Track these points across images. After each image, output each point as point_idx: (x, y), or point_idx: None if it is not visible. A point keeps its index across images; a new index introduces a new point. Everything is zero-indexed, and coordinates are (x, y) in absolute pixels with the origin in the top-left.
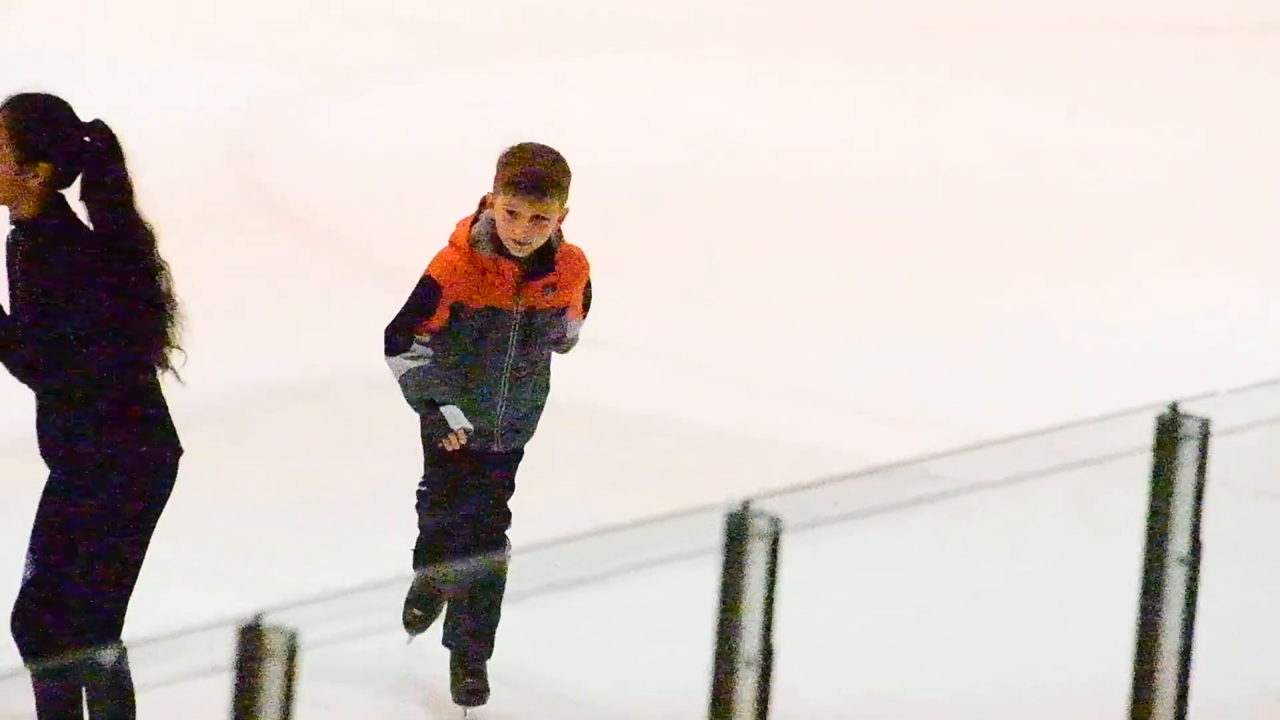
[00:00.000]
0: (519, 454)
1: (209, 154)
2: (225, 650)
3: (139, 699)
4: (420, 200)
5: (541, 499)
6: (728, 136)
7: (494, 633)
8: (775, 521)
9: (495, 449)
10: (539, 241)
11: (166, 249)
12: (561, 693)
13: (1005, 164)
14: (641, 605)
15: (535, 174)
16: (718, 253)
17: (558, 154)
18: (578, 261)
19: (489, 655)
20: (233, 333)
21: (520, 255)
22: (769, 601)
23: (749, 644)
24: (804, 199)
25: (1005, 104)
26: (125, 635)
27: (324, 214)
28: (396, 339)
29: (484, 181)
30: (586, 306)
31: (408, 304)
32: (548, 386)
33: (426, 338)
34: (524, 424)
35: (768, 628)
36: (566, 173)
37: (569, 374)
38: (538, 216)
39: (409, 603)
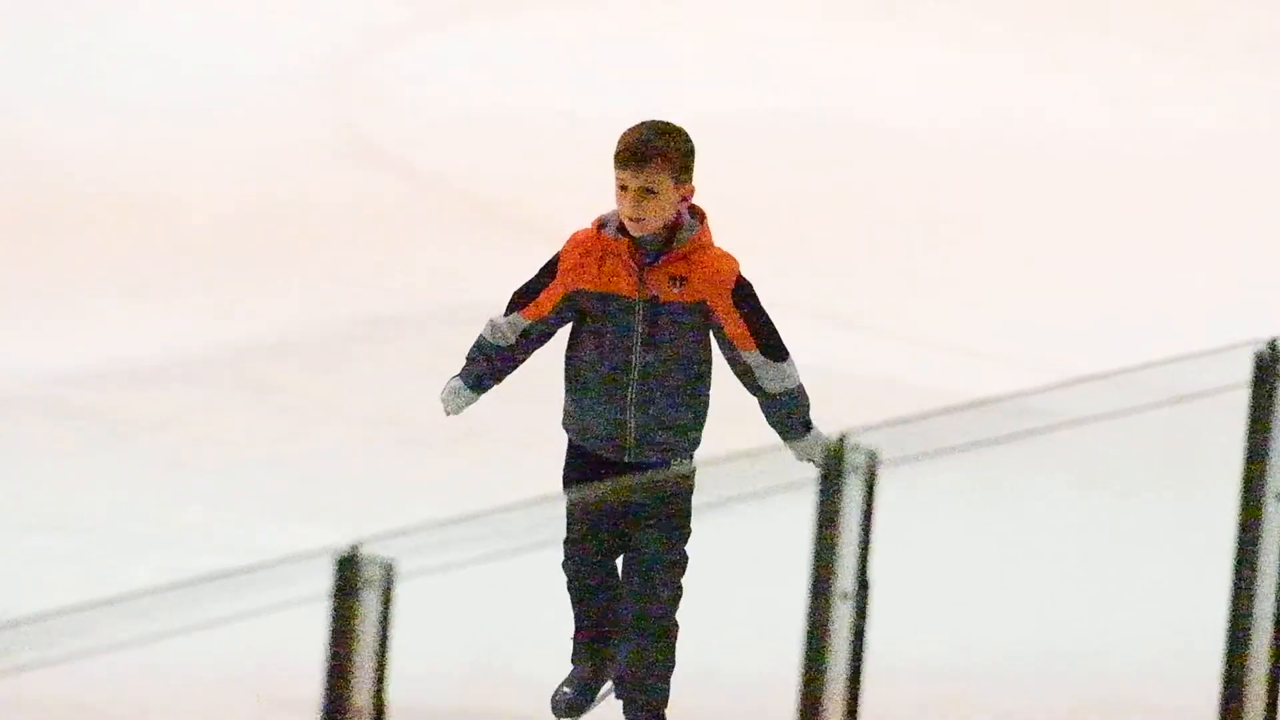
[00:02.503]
0: (679, 474)
1: (307, 87)
2: (323, 580)
3: (235, 628)
4: (519, 136)
5: None
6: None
7: (658, 680)
8: (872, 455)
9: (628, 459)
10: (655, 219)
11: (265, 179)
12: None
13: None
14: (739, 538)
15: (636, 142)
16: (815, 193)
17: (672, 127)
18: (717, 262)
19: (656, 706)
20: (327, 266)
21: (638, 235)
22: (865, 535)
23: (844, 577)
24: (900, 152)
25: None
26: (224, 565)
27: (420, 149)
28: (507, 307)
29: (580, 120)
30: (767, 345)
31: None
32: (697, 408)
33: (527, 321)
34: (663, 440)
35: (864, 561)
36: (677, 145)
37: None
38: (645, 189)
39: (566, 681)
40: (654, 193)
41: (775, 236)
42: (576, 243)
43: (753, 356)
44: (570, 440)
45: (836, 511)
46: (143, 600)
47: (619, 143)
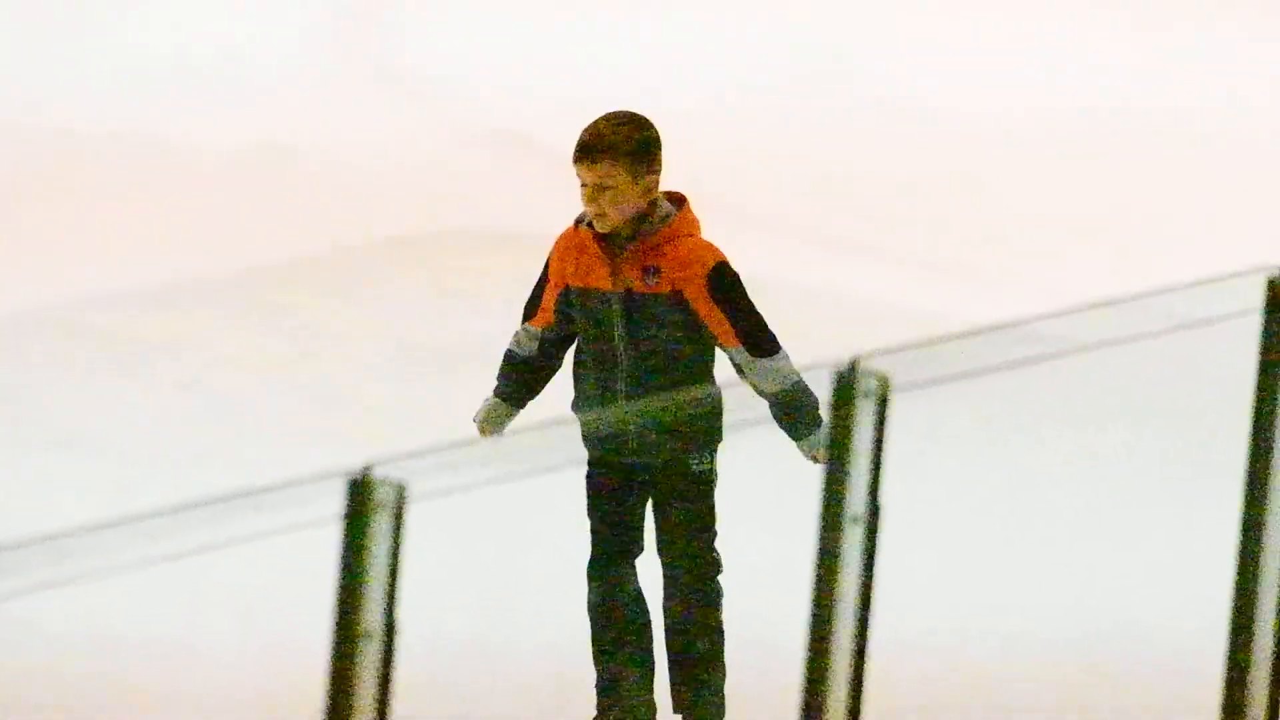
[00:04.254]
0: (690, 474)
1: (325, 17)
2: (334, 502)
3: (248, 549)
4: (542, 68)
5: None
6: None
7: (713, 694)
8: (884, 380)
9: (631, 458)
10: (615, 213)
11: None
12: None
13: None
14: (746, 462)
15: (586, 138)
16: (832, 134)
17: (626, 118)
18: (692, 251)
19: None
20: (337, 191)
21: (603, 230)
22: (876, 459)
23: (856, 502)
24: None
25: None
26: (235, 486)
27: (441, 78)
28: (523, 317)
29: (603, 53)
30: (750, 340)
31: None
32: (703, 405)
33: (539, 329)
34: (662, 436)
35: (875, 486)
36: (630, 137)
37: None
38: (600, 185)
39: (599, 691)
40: (609, 187)
41: (792, 161)
42: (559, 241)
43: (738, 353)
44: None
45: (848, 436)
46: (154, 521)
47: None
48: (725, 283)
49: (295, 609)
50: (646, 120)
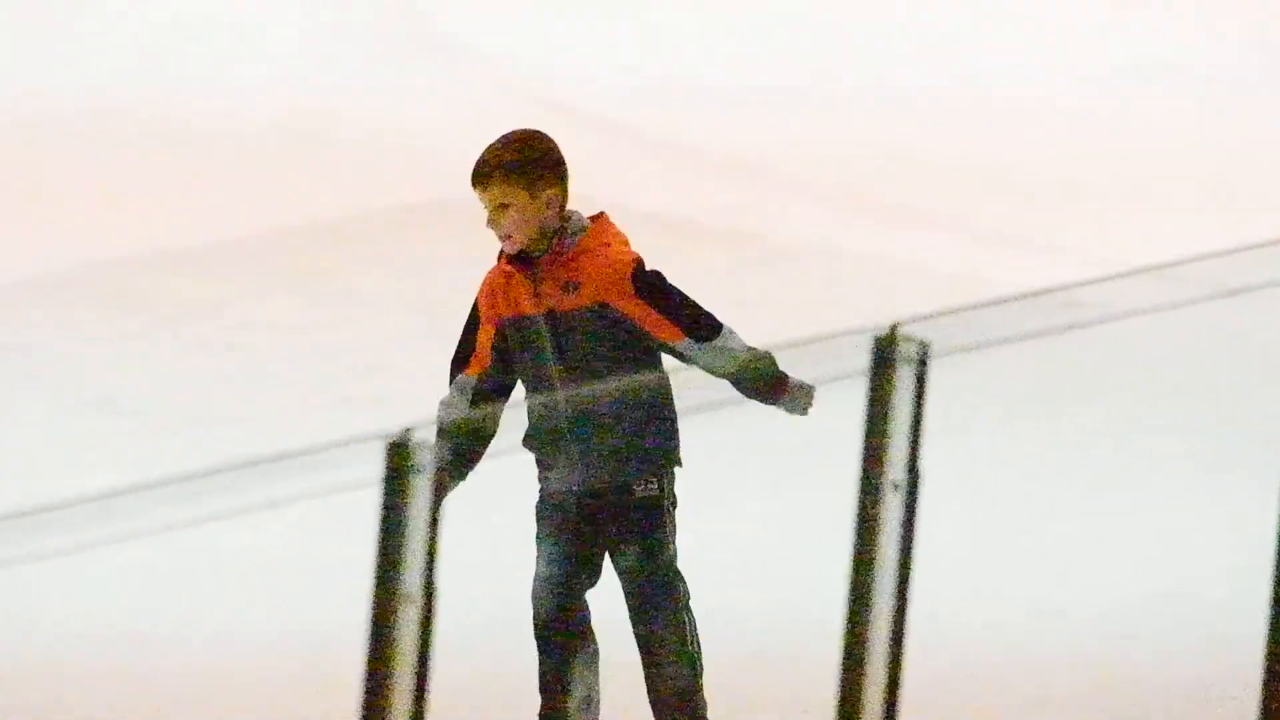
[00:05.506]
0: (635, 501)
1: None
2: (374, 465)
3: (288, 511)
4: (574, 36)
5: None
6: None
7: (689, 710)
8: (924, 345)
9: (579, 485)
10: (519, 233)
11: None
12: (711, 502)
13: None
14: (788, 427)
15: (478, 162)
16: (882, 105)
17: (520, 136)
18: (608, 257)
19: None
20: (373, 156)
21: (511, 252)
22: (916, 425)
23: (895, 468)
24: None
25: None
26: (273, 449)
27: (476, 45)
28: (450, 375)
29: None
30: (691, 327)
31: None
32: (653, 424)
33: (473, 377)
34: (612, 458)
35: (914, 452)
36: (522, 155)
37: (723, 199)
38: (498, 205)
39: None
40: (507, 206)
41: (830, 124)
42: (484, 280)
43: (684, 345)
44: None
45: (888, 401)
46: (194, 482)
47: None
48: (649, 278)
49: (334, 572)
50: (539, 136)
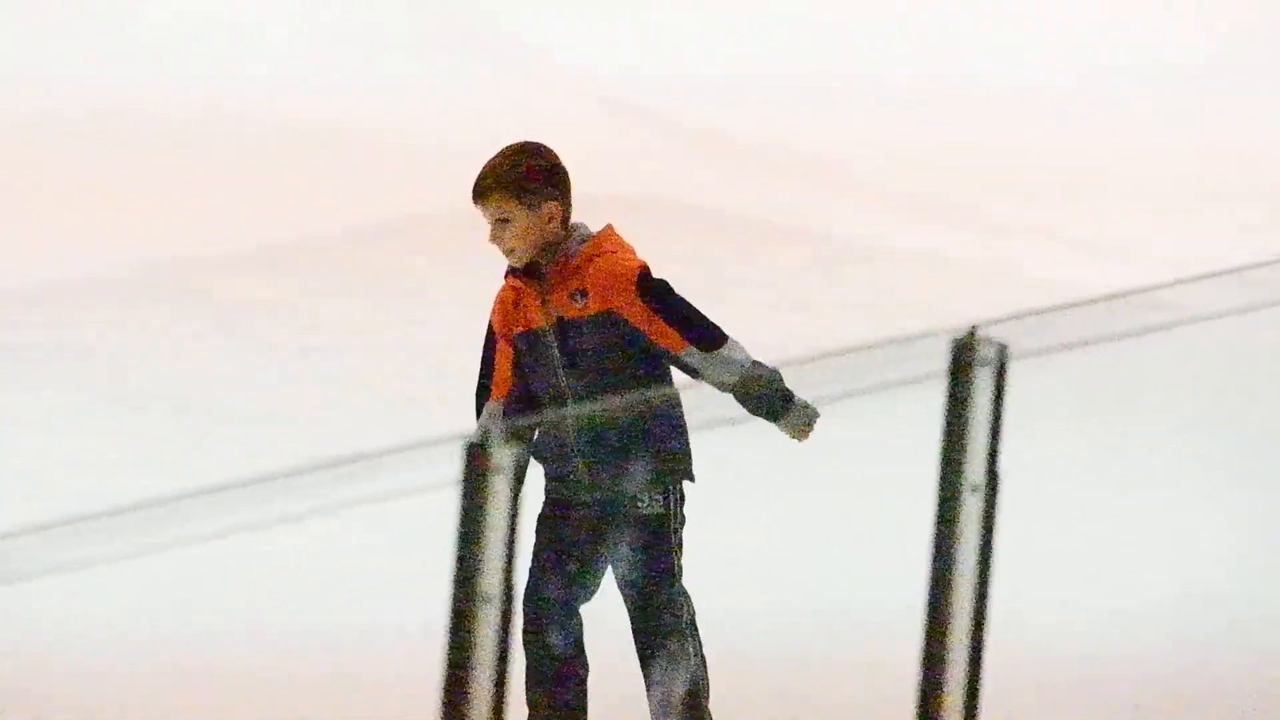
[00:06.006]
0: (638, 517)
1: None
2: (448, 467)
3: (362, 512)
4: (637, 31)
5: (763, 320)
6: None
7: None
8: (1002, 348)
9: (584, 497)
10: (522, 246)
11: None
12: (798, 507)
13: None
14: (866, 429)
15: (476, 178)
16: (945, 106)
17: (515, 149)
18: (613, 265)
19: None
20: (443, 156)
21: (516, 265)
22: (995, 427)
23: (974, 470)
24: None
25: None
26: (349, 450)
27: (539, 37)
28: (476, 408)
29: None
30: (696, 337)
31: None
32: (660, 434)
33: (498, 402)
34: (618, 467)
35: (994, 454)
36: (517, 168)
37: (785, 199)
38: (498, 220)
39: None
40: (506, 220)
41: (897, 126)
42: (495, 298)
43: (689, 354)
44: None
45: (966, 404)
46: (266, 485)
47: None
48: (654, 286)
49: (409, 573)
50: (538, 148)
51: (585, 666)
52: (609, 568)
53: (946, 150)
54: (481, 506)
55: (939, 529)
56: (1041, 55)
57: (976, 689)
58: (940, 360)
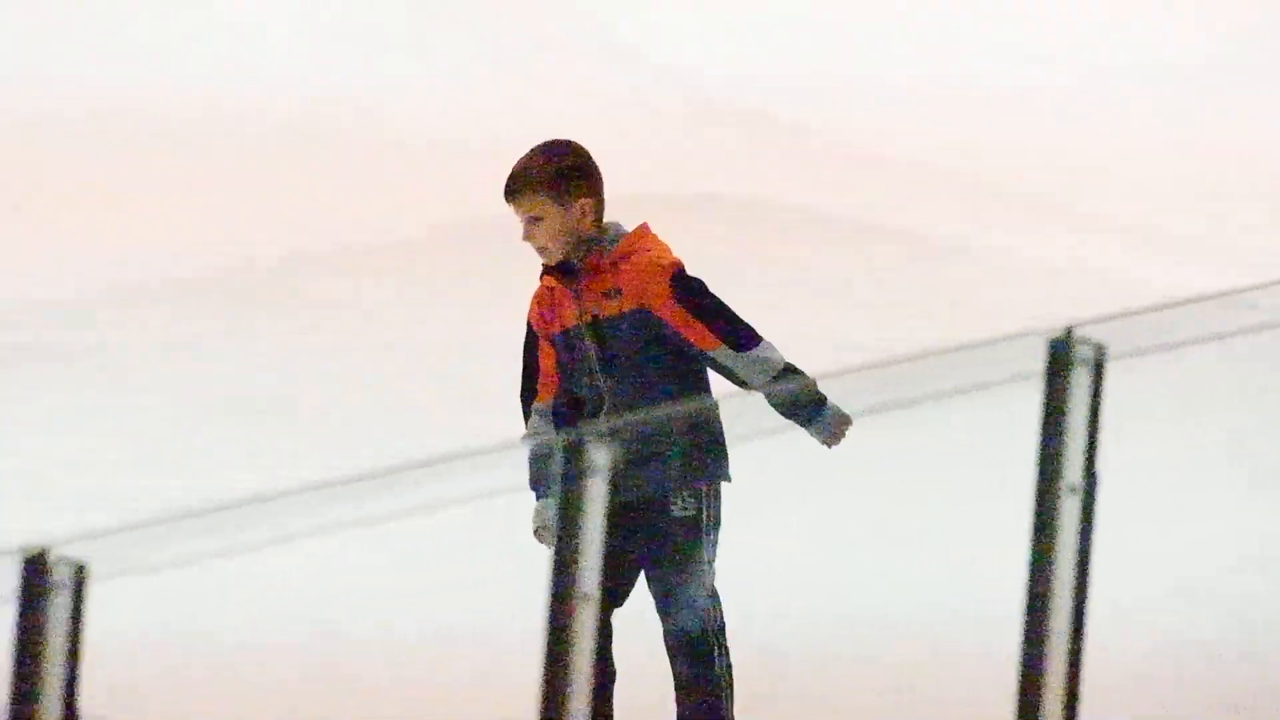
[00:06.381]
0: (670, 518)
1: None
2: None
3: (455, 512)
4: (740, 30)
5: (857, 319)
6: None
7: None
8: (1100, 348)
9: (617, 497)
10: (554, 244)
11: None
12: (898, 501)
13: None
14: (963, 429)
15: (508, 177)
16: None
17: (546, 147)
18: (650, 263)
19: None
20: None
21: (550, 263)
22: (1093, 428)
23: (1072, 471)
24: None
25: None
26: (450, 448)
27: (641, 38)
28: (523, 412)
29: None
30: (729, 337)
31: None
32: (696, 434)
33: (546, 402)
34: (650, 473)
35: (1091, 455)
36: (547, 166)
37: (878, 197)
38: (530, 218)
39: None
40: (538, 218)
41: (996, 129)
42: (532, 298)
43: (722, 353)
44: None
45: (1064, 404)
46: (366, 483)
47: None
48: (688, 285)
49: (501, 572)
50: (569, 146)
51: (612, 673)
52: (641, 571)
53: (1041, 150)
54: (579, 505)
55: (1037, 530)
56: (1139, 59)
57: (1076, 691)
58: (1037, 360)
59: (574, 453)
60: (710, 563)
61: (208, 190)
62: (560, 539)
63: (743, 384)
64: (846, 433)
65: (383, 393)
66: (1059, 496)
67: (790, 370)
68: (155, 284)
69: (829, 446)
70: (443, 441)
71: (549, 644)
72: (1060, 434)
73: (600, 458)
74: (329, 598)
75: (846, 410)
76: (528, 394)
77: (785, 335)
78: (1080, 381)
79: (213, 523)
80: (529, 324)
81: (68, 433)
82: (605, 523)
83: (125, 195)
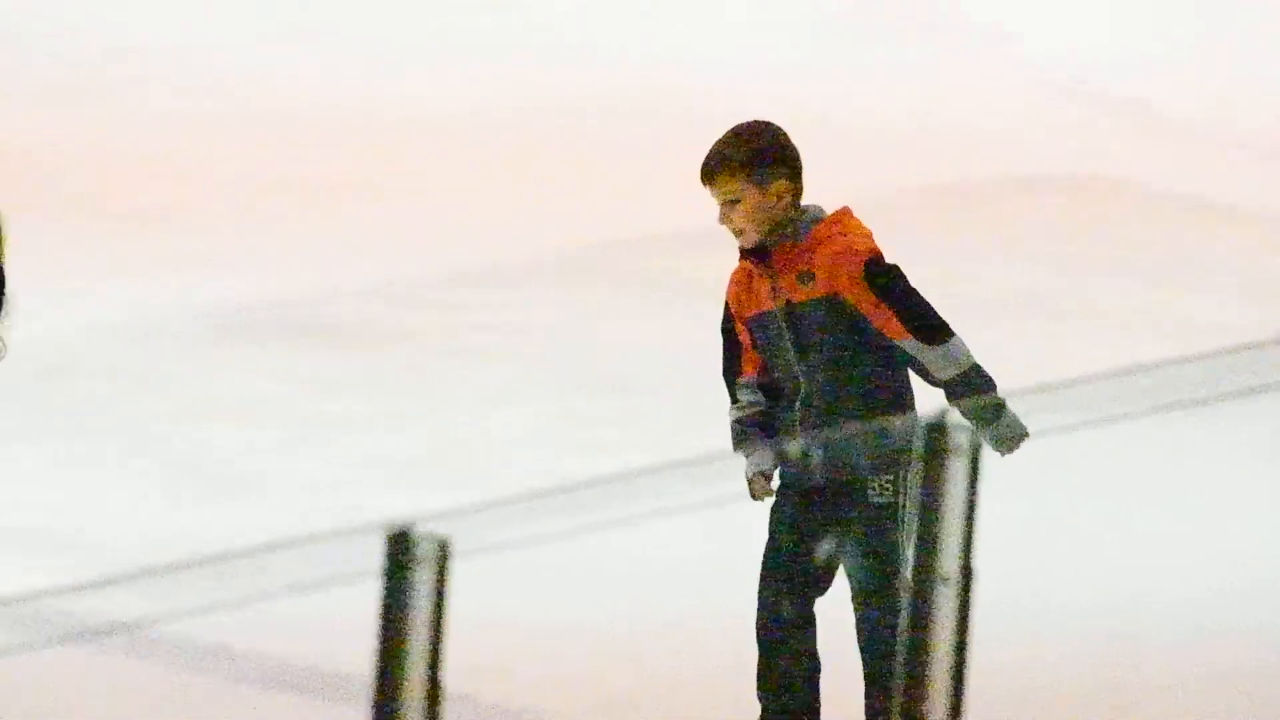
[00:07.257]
0: (868, 504)
1: None
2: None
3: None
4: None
5: (1225, 304)
6: None
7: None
8: None
9: (816, 481)
10: (751, 227)
11: None
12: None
13: None
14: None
15: (705, 159)
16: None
17: (744, 129)
18: (846, 248)
19: None
20: (863, 142)
21: (746, 247)
22: None
23: None
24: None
25: None
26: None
27: (1001, 21)
28: (728, 390)
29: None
30: (919, 328)
31: None
32: (889, 407)
33: (752, 376)
34: (849, 451)
35: None
36: (746, 147)
37: (1258, 182)
38: (728, 201)
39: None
40: (735, 201)
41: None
42: (730, 280)
43: (909, 344)
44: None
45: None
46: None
47: None
48: (883, 272)
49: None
50: (767, 127)
51: (818, 665)
52: (841, 559)
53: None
54: (941, 487)
55: None
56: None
57: None
58: None
59: (936, 432)
60: (906, 550)
61: (573, 176)
62: (923, 521)
63: (929, 377)
64: (1021, 444)
65: None
66: None
67: (977, 371)
68: (537, 261)
69: (1002, 454)
70: None
71: (910, 629)
72: None
73: (961, 439)
74: (688, 580)
75: (1025, 422)
76: (729, 374)
77: (1166, 319)
78: None
79: (573, 500)
80: (726, 305)
81: (486, 413)
82: (967, 503)
83: (498, 182)
